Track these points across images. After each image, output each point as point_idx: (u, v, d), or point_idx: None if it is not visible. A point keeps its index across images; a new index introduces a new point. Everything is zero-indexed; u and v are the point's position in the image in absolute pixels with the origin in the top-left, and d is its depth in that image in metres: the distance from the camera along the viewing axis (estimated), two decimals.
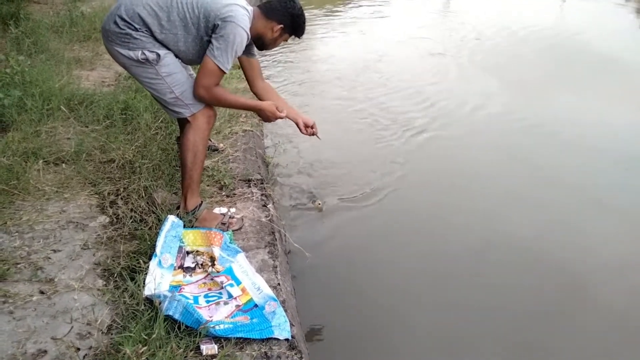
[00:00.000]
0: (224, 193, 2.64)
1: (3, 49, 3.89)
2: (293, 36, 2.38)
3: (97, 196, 2.44)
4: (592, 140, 4.15)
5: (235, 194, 2.64)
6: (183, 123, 2.71)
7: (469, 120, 4.52)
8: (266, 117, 2.33)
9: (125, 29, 2.09)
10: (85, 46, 4.53)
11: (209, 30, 2.12)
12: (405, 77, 5.52)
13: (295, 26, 2.31)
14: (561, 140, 4.14)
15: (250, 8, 2.23)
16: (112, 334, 1.70)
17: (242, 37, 2.11)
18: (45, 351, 1.62)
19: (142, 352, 1.55)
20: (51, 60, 3.80)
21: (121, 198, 2.40)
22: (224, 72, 2.12)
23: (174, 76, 2.17)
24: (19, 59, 3.40)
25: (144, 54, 2.11)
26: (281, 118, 2.34)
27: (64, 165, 2.64)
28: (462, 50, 6.56)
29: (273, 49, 2.48)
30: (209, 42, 2.14)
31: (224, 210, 2.45)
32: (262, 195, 2.67)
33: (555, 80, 5.55)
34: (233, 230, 2.32)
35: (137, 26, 2.09)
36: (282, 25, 2.27)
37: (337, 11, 8.54)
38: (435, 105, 4.79)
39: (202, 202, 2.33)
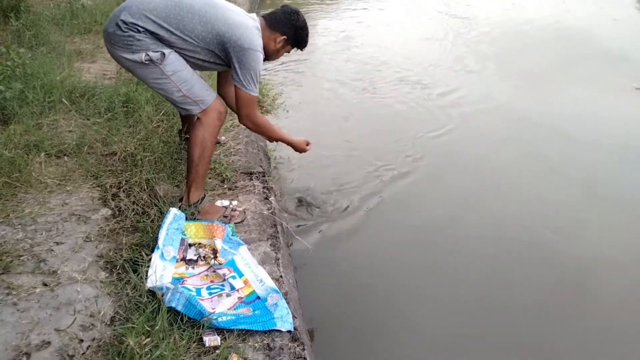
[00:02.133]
0: (225, 186, 2.64)
1: (4, 42, 3.88)
2: (295, 48, 2.42)
3: (99, 189, 2.44)
4: (595, 133, 4.13)
5: (237, 187, 2.64)
6: (186, 117, 2.72)
7: (470, 112, 4.49)
8: (300, 150, 2.71)
9: (128, 32, 2.06)
10: (87, 39, 4.51)
11: (220, 49, 2.15)
12: (403, 67, 5.49)
13: (298, 38, 2.35)
14: (563, 132, 4.12)
15: (257, 22, 2.24)
16: (115, 326, 1.71)
17: (260, 60, 2.18)
18: (49, 342, 1.63)
19: (145, 343, 1.56)
20: (52, 53, 3.78)
21: (123, 191, 2.40)
22: (256, 96, 2.24)
23: (180, 74, 2.15)
24: (20, 51, 3.39)
25: (148, 55, 2.08)
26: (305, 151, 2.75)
27: (65, 158, 2.64)
28: (463, 40, 6.52)
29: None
30: (217, 55, 2.18)
31: (226, 203, 2.45)
32: (264, 188, 2.67)
33: (558, 72, 5.51)
34: (235, 223, 2.33)
35: (140, 29, 2.07)
36: (285, 37, 2.29)
37: None
38: (435, 97, 4.77)
39: (205, 195, 2.33)
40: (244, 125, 2.36)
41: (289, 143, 2.63)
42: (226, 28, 2.11)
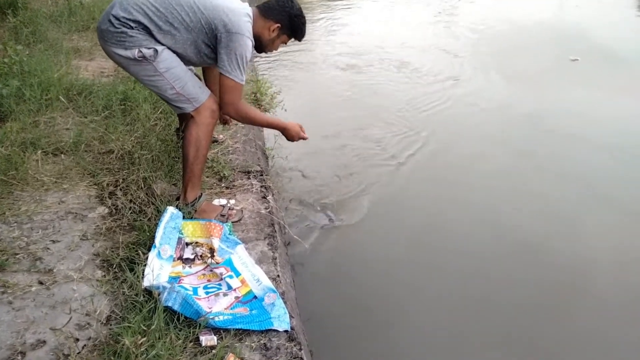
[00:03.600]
0: (223, 184, 2.63)
1: (1, 39, 3.86)
2: (293, 39, 2.34)
3: (96, 187, 2.43)
4: (593, 133, 4.14)
5: (234, 186, 2.63)
6: (183, 115, 2.70)
7: (468, 113, 4.49)
8: (290, 136, 2.40)
9: (120, 28, 2.05)
10: (84, 36, 4.50)
11: (210, 37, 2.11)
12: (404, 67, 5.50)
13: (293, 26, 2.27)
14: (562, 133, 4.12)
15: (250, 10, 2.21)
16: (111, 325, 1.70)
17: (248, 46, 2.11)
18: (44, 341, 1.62)
19: (141, 343, 1.55)
20: (50, 50, 3.77)
21: (120, 189, 2.39)
22: (242, 85, 2.14)
23: (173, 71, 2.13)
24: (17, 48, 3.38)
25: (141, 51, 2.06)
26: (304, 139, 2.42)
27: (62, 155, 2.63)
28: (462, 41, 6.53)
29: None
30: (208, 46, 2.14)
31: (223, 201, 2.44)
32: (261, 187, 2.66)
33: (556, 72, 5.53)
34: (232, 222, 2.32)
35: (132, 25, 2.05)
36: (279, 25, 2.23)
37: None
38: (434, 98, 4.77)
39: (202, 193, 2.32)
40: (226, 114, 2.26)
41: (279, 127, 2.40)
42: (214, 15, 2.08)
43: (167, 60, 2.12)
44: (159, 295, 1.74)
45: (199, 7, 2.08)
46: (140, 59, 2.08)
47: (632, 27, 7.47)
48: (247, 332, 1.74)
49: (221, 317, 1.73)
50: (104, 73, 3.82)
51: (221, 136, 3.08)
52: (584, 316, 2.44)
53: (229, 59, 2.08)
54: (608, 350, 2.28)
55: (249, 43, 2.11)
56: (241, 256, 2.06)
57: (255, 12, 2.23)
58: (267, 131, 3.80)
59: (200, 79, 2.37)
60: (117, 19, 2.05)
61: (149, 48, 2.07)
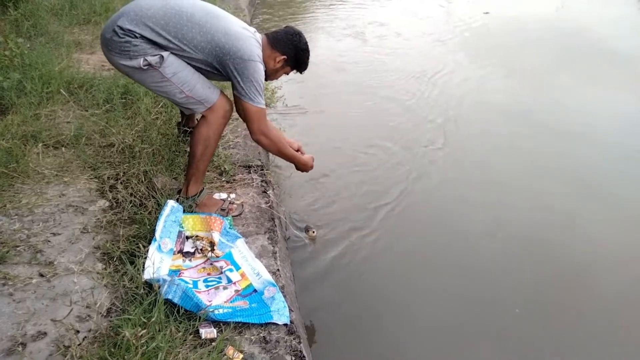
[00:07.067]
0: (224, 179, 2.64)
1: (2, 32, 3.85)
2: (295, 71, 2.38)
3: (96, 180, 2.43)
4: (592, 130, 4.14)
5: (235, 180, 2.64)
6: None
7: (467, 109, 4.49)
8: (302, 169, 2.56)
9: (124, 37, 2.03)
10: (85, 29, 4.49)
11: (219, 59, 2.10)
12: (403, 64, 5.48)
13: (298, 60, 2.31)
14: (561, 130, 4.12)
15: (259, 36, 2.22)
16: (111, 317, 1.71)
17: (262, 71, 2.14)
18: (45, 333, 1.62)
19: (141, 335, 1.56)
20: (51, 43, 3.76)
21: (121, 182, 2.39)
22: (265, 109, 2.16)
23: (180, 75, 2.11)
24: (19, 41, 3.38)
25: (146, 60, 2.04)
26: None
27: (63, 148, 2.63)
28: (460, 37, 6.52)
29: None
30: (215, 65, 2.13)
31: (224, 196, 2.45)
32: (262, 181, 2.66)
33: (556, 69, 5.51)
34: (233, 216, 2.32)
35: (137, 35, 2.03)
36: (285, 57, 2.26)
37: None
38: (431, 94, 4.76)
39: (203, 188, 2.32)
40: (256, 141, 2.25)
41: (297, 162, 2.48)
42: (225, 39, 2.08)
43: (173, 65, 2.09)
44: (159, 288, 1.74)
45: (210, 29, 2.07)
46: (146, 67, 2.06)
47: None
48: (246, 325, 1.75)
49: (221, 310, 1.74)
50: (105, 66, 3.81)
51: None
52: (590, 315, 2.44)
53: (248, 87, 2.10)
54: (608, 348, 2.29)
55: (262, 67, 2.14)
56: (241, 250, 2.07)
57: (264, 40, 2.24)
58: None
59: None
60: (122, 29, 2.03)
61: (155, 55, 2.05)
